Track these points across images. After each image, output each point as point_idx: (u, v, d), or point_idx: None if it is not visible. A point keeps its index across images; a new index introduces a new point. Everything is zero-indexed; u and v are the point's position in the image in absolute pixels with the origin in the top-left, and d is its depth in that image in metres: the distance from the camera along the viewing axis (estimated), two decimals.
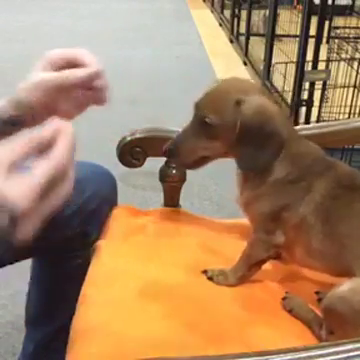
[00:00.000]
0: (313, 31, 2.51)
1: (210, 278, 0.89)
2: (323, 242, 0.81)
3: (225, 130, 0.81)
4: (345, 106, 2.41)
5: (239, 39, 4.60)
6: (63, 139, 0.55)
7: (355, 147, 2.12)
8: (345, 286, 0.75)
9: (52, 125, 0.56)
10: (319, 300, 0.86)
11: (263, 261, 0.88)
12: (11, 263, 1.02)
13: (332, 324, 0.77)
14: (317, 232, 0.81)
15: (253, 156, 0.81)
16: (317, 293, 0.88)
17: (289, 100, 2.77)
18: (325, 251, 0.81)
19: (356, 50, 2.31)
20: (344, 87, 2.38)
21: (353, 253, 0.78)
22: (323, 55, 2.52)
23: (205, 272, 0.90)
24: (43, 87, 0.80)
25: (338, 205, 0.81)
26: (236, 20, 4.77)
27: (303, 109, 2.64)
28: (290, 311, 0.84)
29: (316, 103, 2.57)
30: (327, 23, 3.37)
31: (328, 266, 0.83)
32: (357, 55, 2.31)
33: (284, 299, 0.86)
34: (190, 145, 0.84)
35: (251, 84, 0.89)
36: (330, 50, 2.43)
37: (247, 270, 0.88)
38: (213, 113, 0.81)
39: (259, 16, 4.55)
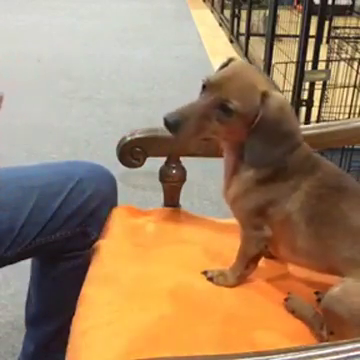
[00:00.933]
0: (313, 31, 2.51)
1: (210, 279, 0.89)
2: (308, 241, 0.81)
3: (242, 119, 0.77)
4: (345, 106, 2.41)
5: (239, 39, 4.60)
6: None
7: (355, 147, 2.12)
8: (338, 288, 0.75)
9: None
10: (318, 300, 0.87)
11: (257, 257, 0.88)
12: (11, 263, 1.02)
13: (331, 324, 0.77)
14: (302, 230, 0.81)
15: (262, 151, 0.79)
16: (317, 293, 0.88)
17: (289, 100, 2.77)
18: (309, 250, 0.81)
19: (356, 50, 2.31)
20: (344, 87, 2.38)
21: (338, 254, 0.78)
22: (323, 55, 2.52)
23: (205, 273, 0.90)
24: None
25: (324, 205, 0.80)
26: (236, 20, 4.77)
27: (303, 109, 2.64)
28: (293, 312, 0.84)
29: (316, 103, 2.57)
30: (327, 23, 3.37)
31: (314, 264, 0.84)
32: (357, 55, 2.30)
33: (286, 300, 0.86)
34: (198, 124, 0.78)
35: (266, 77, 0.86)
36: (330, 50, 2.42)
37: (244, 269, 0.88)
38: (237, 99, 0.76)
39: (259, 16, 4.55)
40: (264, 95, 0.77)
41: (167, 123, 0.77)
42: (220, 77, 0.79)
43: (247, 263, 0.88)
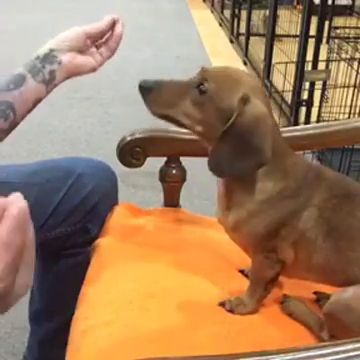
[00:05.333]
0: (313, 31, 2.51)
1: (230, 311, 0.83)
2: (325, 256, 0.77)
3: (216, 110, 0.74)
4: (345, 106, 2.41)
5: (239, 39, 4.60)
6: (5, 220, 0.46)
7: (355, 147, 2.12)
8: (349, 293, 0.73)
9: None
10: (317, 300, 0.86)
11: (276, 278, 0.83)
12: None
13: (335, 330, 0.75)
14: (319, 247, 0.76)
15: (226, 161, 0.74)
16: (316, 293, 0.88)
17: (289, 100, 2.77)
18: (326, 265, 0.77)
19: (356, 50, 2.31)
20: (344, 87, 2.38)
21: (358, 266, 0.75)
22: (323, 55, 2.52)
23: (223, 305, 0.84)
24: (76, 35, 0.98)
25: (339, 217, 0.77)
26: (236, 20, 4.77)
27: (303, 109, 2.64)
28: (290, 315, 0.83)
29: (316, 103, 2.57)
30: (327, 23, 3.37)
31: (327, 279, 0.80)
32: (357, 55, 2.31)
33: (282, 303, 0.85)
34: (171, 97, 0.77)
35: (259, 86, 0.82)
36: (330, 50, 2.43)
37: (264, 290, 0.83)
38: (214, 83, 0.74)
39: (259, 16, 4.55)
40: (243, 98, 0.72)
41: (141, 87, 0.77)
42: (213, 67, 0.79)
43: (265, 285, 0.82)
